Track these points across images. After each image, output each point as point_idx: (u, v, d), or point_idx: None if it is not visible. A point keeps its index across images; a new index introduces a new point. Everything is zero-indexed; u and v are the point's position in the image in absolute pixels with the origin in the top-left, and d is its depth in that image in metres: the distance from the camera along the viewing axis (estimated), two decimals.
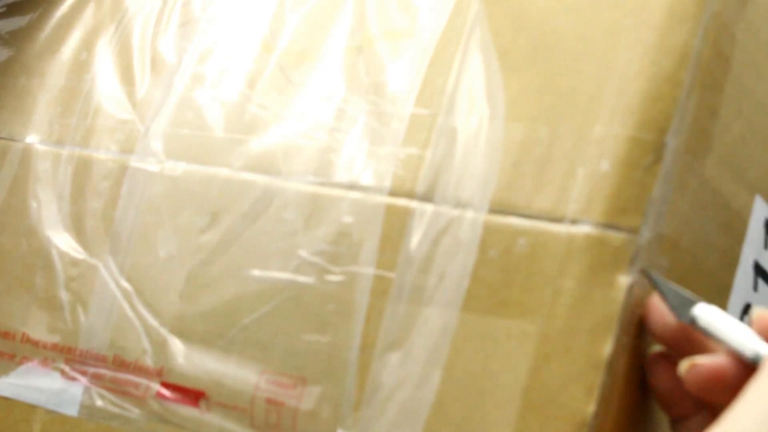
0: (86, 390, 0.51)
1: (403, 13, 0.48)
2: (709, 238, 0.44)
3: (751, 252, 0.47)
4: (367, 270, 0.44)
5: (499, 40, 0.45)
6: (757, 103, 0.47)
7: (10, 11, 0.63)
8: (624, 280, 0.40)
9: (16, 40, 0.62)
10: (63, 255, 0.54)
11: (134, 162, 0.53)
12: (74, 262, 0.53)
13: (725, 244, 0.46)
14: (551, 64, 0.44)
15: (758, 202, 0.48)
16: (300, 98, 0.50)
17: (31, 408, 0.53)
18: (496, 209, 0.43)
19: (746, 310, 0.48)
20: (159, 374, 0.49)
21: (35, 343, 0.53)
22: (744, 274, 0.47)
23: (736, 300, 0.47)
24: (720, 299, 0.46)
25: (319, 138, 0.48)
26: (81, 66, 0.58)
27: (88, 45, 0.59)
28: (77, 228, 0.54)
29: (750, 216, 0.47)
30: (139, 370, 0.49)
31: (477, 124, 0.44)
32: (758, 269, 0.48)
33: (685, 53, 0.41)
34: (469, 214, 0.43)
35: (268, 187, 0.48)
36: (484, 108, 0.44)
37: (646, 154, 0.41)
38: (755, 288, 0.48)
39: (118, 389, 0.50)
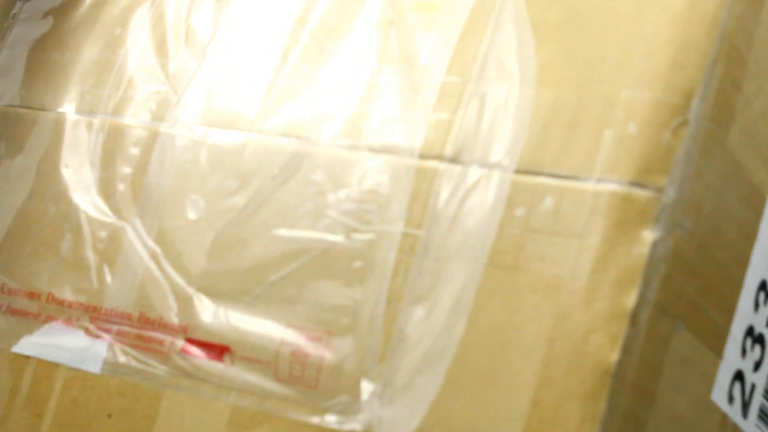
0: (110, 347, 0.52)
1: None
2: (729, 208, 0.45)
3: None
4: (395, 228, 0.46)
5: (531, 13, 0.47)
6: None
7: None
8: (649, 236, 0.41)
9: (52, 17, 0.63)
10: (91, 219, 0.55)
11: (165, 129, 0.54)
12: (102, 225, 0.54)
13: (744, 217, 0.47)
14: (581, 35, 0.45)
15: None
16: (332, 70, 0.51)
17: (54, 366, 0.53)
18: (523, 169, 0.44)
19: (762, 286, 0.49)
20: (184, 331, 0.50)
21: (60, 303, 0.54)
22: (761, 251, 0.48)
23: (752, 276, 0.48)
24: (737, 272, 0.47)
25: (350, 106, 0.49)
26: (115, 40, 0.60)
27: (122, 21, 0.60)
28: (106, 193, 0.55)
29: (767, 194, 0.48)
30: (164, 327, 0.50)
31: (507, 89, 0.45)
32: None
33: (713, 23, 0.43)
34: (497, 174, 0.44)
35: (298, 150, 0.49)
36: (514, 75, 0.45)
37: (672, 116, 0.42)
38: None
39: (142, 345, 0.51)
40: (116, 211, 0.54)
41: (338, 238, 0.47)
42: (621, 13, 0.44)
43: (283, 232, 0.48)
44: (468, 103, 0.46)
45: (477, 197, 0.44)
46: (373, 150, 0.48)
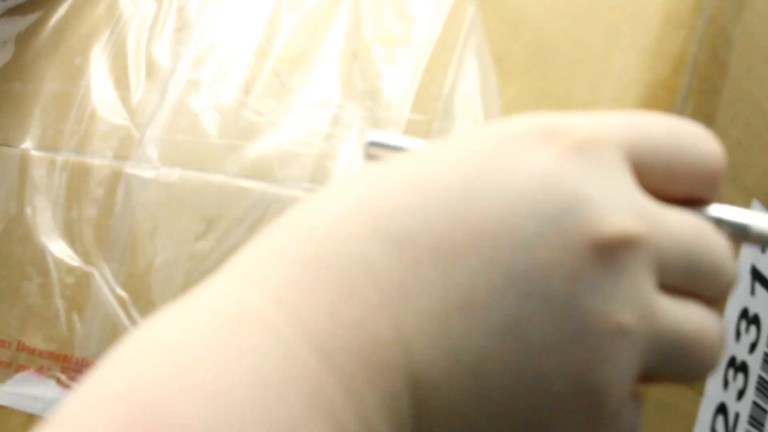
0: None
1: (398, 19, 0.48)
2: None
3: (748, 256, 0.47)
4: None
5: (495, 47, 0.45)
6: (754, 106, 0.46)
7: (10, 14, 0.63)
8: None
9: (13, 45, 0.62)
10: (58, 262, 0.54)
11: (129, 168, 0.53)
12: (69, 270, 0.53)
13: None
14: (547, 70, 0.43)
15: (755, 207, 0.47)
16: (295, 104, 0.49)
17: (28, 417, 0.52)
18: None
19: (744, 314, 0.48)
20: None
21: (31, 351, 0.53)
22: (741, 278, 0.47)
23: (734, 304, 0.47)
24: None
25: (315, 144, 0.48)
26: (76, 71, 0.58)
27: (82, 50, 0.58)
28: (72, 235, 0.54)
29: None
30: None
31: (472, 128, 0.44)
32: (755, 273, 0.48)
33: (682, 59, 0.41)
34: None
35: (264, 193, 0.48)
36: (479, 114, 0.44)
37: None
38: (752, 292, 0.48)
39: None
40: (83, 254, 0.53)
41: None
42: (588, 48, 0.43)
43: None
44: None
45: None
46: None
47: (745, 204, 0.47)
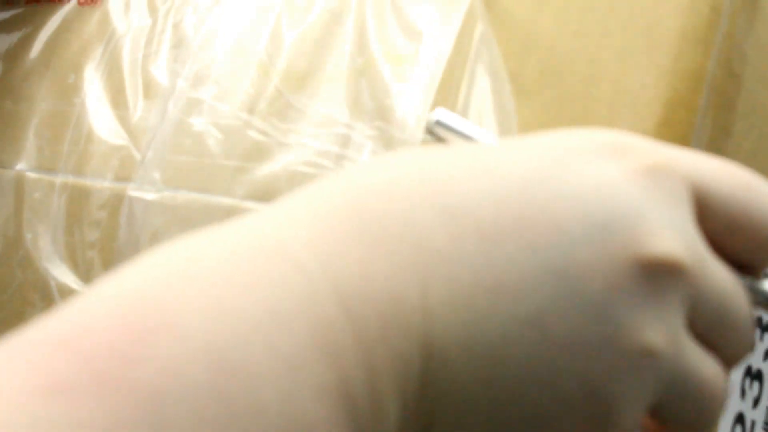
0: None
1: (405, 36, 0.47)
2: None
3: None
4: None
5: (508, 64, 0.45)
6: (767, 116, 0.46)
7: None
8: None
9: (1, 62, 0.60)
10: (62, 288, 0.53)
11: (132, 191, 0.52)
12: (73, 295, 0.52)
13: None
14: (563, 89, 0.43)
15: None
16: (302, 123, 0.49)
17: None
18: None
19: (758, 322, 0.48)
20: None
21: None
22: None
23: None
24: None
25: (325, 166, 0.47)
26: (69, 89, 0.57)
27: (75, 67, 0.57)
28: (75, 260, 0.53)
29: None
30: None
31: None
32: None
33: (700, 76, 0.41)
34: None
35: None
36: (495, 133, 0.44)
37: None
38: None
39: None
40: (87, 280, 0.52)
41: None
42: (604, 66, 0.42)
43: None
44: None
45: None
46: None
47: None
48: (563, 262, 0.25)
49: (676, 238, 0.26)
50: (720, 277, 0.27)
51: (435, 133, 0.33)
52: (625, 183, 0.26)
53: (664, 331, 0.26)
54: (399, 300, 0.25)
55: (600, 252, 0.25)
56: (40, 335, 0.23)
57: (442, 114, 0.33)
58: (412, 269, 0.25)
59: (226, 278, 0.24)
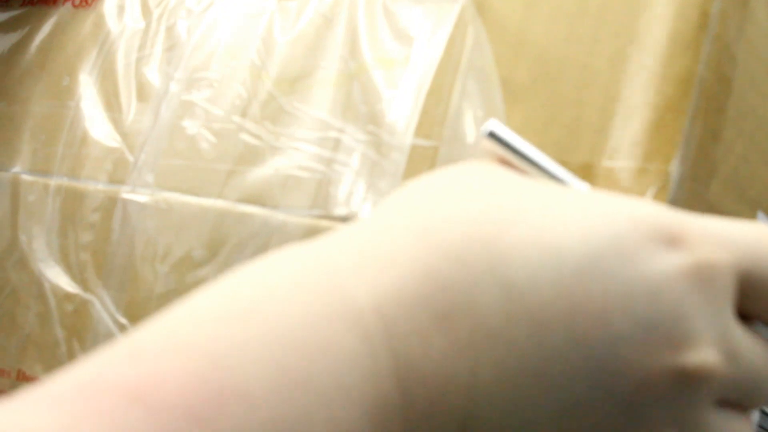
0: None
1: (397, 40, 0.47)
2: None
3: None
4: None
5: (499, 69, 0.45)
6: (758, 120, 0.46)
7: None
8: None
9: None
10: (56, 289, 0.53)
11: (125, 193, 0.52)
12: (68, 297, 0.52)
13: None
14: (554, 94, 0.43)
15: (761, 218, 0.47)
16: (294, 127, 0.49)
17: None
18: None
19: None
20: None
21: (31, 380, 0.53)
22: None
23: None
24: None
25: (316, 169, 0.47)
26: (64, 92, 0.57)
27: (70, 70, 0.57)
28: (68, 261, 0.53)
29: None
30: None
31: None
32: None
33: (689, 80, 0.41)
34: None
35: (267, 220, 0.48)
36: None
37: (652, 182, 0.40)
38: None
39: None
40: (81, 281, 0.52)
41: None
42: (594, 71, 0.42)
43: None
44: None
45: None
46: (342, 220, 0.46)
47: (751, 216, 0.47)
48: (605, 356, 0.27)
49: (714, 343, 0.28)
50: (753, 359, 0.29)
51: (486, 147, 0.34)
52: (673, 283, 0.27)
53: (688, 430, 0.28)
54: (450, 381, 0.26)
55: (641, 351, 0.27)
56: (113, 380, 0.23)
57: (495, 126, 0.33)
58: (467, 349, 0.27)
59: (296, 345, 0.24)
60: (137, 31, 0.56)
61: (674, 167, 0.40)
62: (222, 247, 0.48)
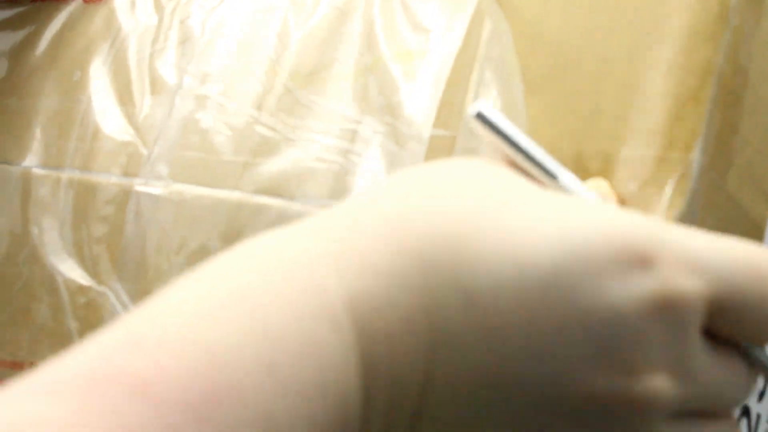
0: None
1: (414, 32, 0.48)
2: None
3: None
4: None
5: (517, 60, 0.45)
6: None
7: (2, 27, 0.61)
8: None
9: (6, 60, 0.60)
10: (69, 283, 0.53)
11: (139, 186, 0.52)
12: (81, 290, 0.52)
13: None
14: (572, 84, 0.43)
15: None
16: (310, 120, 0.49)
17: None
18: None
19: None
20: None
21: None
22: None
23: None
24: None
25: (334, 160, 0.47)
26: (75, 86, 0.57)
27: (81, 64, 0.57)
28: (82, 254, 0.53)
29: (767, 225, 0.47)
30: None
31: None
32: None
33: (709, 71, 0.41)
34: None
35: (284, 211, 0.48)
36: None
37: (673, 172, 0.41)
38: None
39: None
40: (94, 274, 0.52)
41: None
42: (613, 61, 0.43)
43: None
44: None
45: None
46: None
47: (766, 208, 0.47)
48: (559, 370, 0.27)
49: (669, 368, 0.28)
50: (711, 378, 0.29)
51: (473, 128, 0.33)
52: (635, 309, 0.27)
53: None
54: (408, 381, 0.27)
55: (593, 372, 0.27)
56: (115, 372, 0.24)
57: (483, 107, 0.33)
58: (427, 351, 0.27)
59: (283, 344, 0.25)
60: (150, 26, 0.56)
61: (696, 156, 0.41)
62: (238, 239, 0.48)
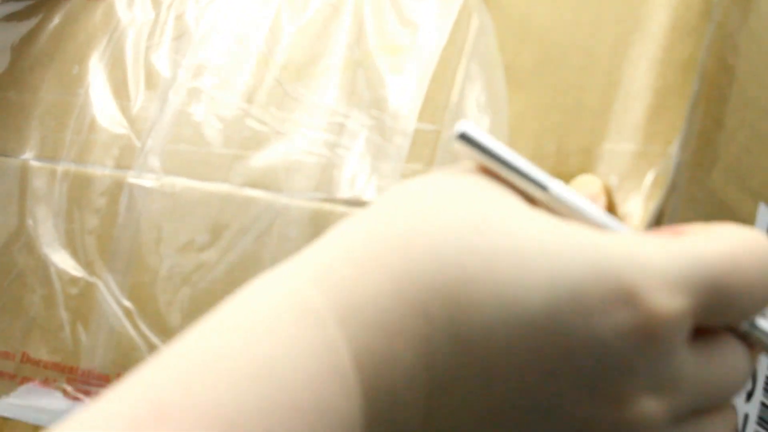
0: None
1: (402, 27, 0.48)
2: None
3: None
4: None
5: (502, 55, 0.45)
6: (760, 111, 0.47)
7: (6, 21, 0.62)
8: None
9: (9, 53, 0.61)
10: (61, 273, 0.53)
11: (132, 178, 0.53)
12: (73, 281, 0.53)
13: None
14: (556, 79, 0.43)
15: (762, 210, 0.48)
16: (299, 113, 0.49)
17: (34, 429, 0.52)
18: None
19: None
20: None
21: (36, 363, 0.53)
22: None
23: None
24: None
25: (321, 154, 0.48)
26: (74, 80, 0.58)
27: (80, 58, 0.58)
28: (74, 245, 0.54)
29: (754, 223, 0.47)
30: None
31: None
32: None
33: (691, 66, 0.41)
34: None
35: (271, 204, 0.48)
36: (486, 124, 0.44)
37: (653, 166, 0.41)
38: None
39: None
40: (86, 265, 0.53)
41: None
42: (596, 56, 0.43)
43: None
44: (443, 155, 0.44)
45: None
46: (346, 203, 0.46)
47: (753, 207, 0.47)
48: (552, 407, 0.29)
49: (656, 389, 0.29)
50: (702, 382, 0.31)
51: (457, 150, 0.34)
52: (620, 342, 0.29)
53: None
54: (407, 425, 0.29)
55: (584, 406, 0.29)
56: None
57: (467, 127, 0.33)
58: (426, 398, 0.29)
59: (300, 411, 0.27)
60: (147, 21, 0.56)
61: (674, 150, 0.41)
62: (225, 231, 0.49)
